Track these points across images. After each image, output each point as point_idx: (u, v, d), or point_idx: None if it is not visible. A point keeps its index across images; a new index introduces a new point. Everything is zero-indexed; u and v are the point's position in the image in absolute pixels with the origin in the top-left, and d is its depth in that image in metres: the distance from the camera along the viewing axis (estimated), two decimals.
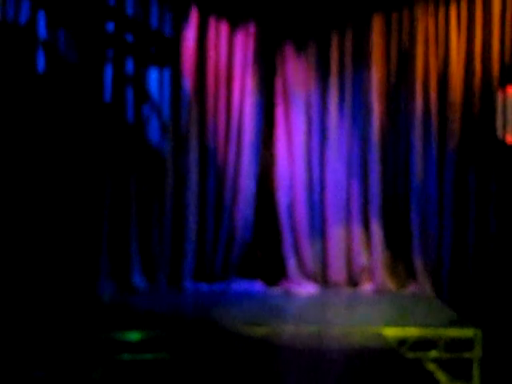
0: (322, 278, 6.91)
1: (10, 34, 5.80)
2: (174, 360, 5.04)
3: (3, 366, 5.53)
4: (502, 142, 6.57)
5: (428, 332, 5.48)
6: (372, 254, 6.82)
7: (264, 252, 7.16)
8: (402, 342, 5.38)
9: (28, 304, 5.97)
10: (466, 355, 5.46)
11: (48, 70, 6.33)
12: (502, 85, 6.58)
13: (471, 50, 6.67)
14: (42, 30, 6.33)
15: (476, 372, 5.43)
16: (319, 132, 6.83)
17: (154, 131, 6.67)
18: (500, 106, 6.60)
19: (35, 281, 6.11)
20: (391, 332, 5.42)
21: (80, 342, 5.26)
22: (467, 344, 5.45)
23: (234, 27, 6.70)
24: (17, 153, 5.98)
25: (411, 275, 6.86)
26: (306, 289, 6.72)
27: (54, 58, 6.37)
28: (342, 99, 6.81)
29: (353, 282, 6.92)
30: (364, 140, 6.81)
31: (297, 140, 6.82)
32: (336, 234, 6.86)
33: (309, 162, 6.84)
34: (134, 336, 5.31)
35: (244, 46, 6.68)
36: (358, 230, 6.85)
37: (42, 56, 6.31)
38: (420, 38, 6.74)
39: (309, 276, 6.85)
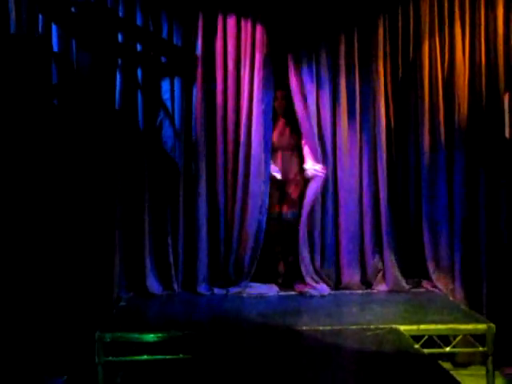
0: (336, 280, 6.96)
1: (24, 46, 5.92)
2: (191, 361, 5.10)
3: (20, 370, 5.62)
4: (511, 142, 6.63)
5: (442, 328, 5.54)
6: (384, 255, 6.86)
7: (278, 254, 7.23)
8: (416, 338, 5.43)
9: (45, 309, 6.06)
10: (480, 350, 5.52)
11: (62, 80, 6.45)
12: (509, 86, 6.65)
13: (477, 50, 6.72)
14: (54, 41, 6.45)
15: (490, 367, 5.47)
16: (330, 134, 6.87)
17: (167, 138, 6.75)
18: (507, 106, 6.66)
19: (51, 287, 6.19)
20: (405, 329, 5.47)
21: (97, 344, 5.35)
22: (481, 339, 5.50)
23: (241, 34, 6.75)
24: (31, 163, 6.08)
25: (424, 274, 6.90)
26: (320, 291, 6.75)
27: (67, 68, 6.49)
28: (351, 102, 6.86)
29: (366, 283, 6.97)
30: (373, 141, 6.86)
31: None
32: (349, 236, 6.90)
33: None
34: (151, 338, 5.39)
35: (252, 52, 6.72)
36: (370, 231, 6.89)
37: (55, 67, 6.44)
38: (425, 40, 6.79)
39: (322, 278, 6.89)
